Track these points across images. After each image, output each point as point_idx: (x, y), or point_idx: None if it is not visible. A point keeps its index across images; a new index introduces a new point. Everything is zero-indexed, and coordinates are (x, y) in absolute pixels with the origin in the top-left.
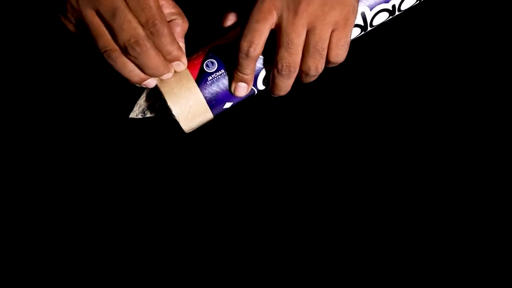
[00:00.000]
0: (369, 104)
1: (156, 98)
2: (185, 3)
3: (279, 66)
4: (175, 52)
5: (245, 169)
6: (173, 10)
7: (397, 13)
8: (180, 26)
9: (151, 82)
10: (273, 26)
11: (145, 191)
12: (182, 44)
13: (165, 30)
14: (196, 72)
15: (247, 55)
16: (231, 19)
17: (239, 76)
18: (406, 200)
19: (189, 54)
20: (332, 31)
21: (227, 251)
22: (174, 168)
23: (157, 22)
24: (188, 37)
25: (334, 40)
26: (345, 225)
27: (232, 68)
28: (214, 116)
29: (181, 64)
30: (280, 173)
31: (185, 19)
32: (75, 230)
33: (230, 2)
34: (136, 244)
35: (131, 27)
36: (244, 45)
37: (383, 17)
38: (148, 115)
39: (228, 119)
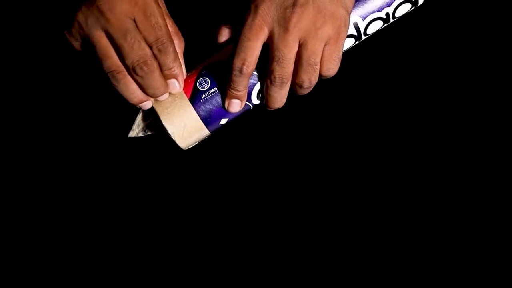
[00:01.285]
0: (364, 113)
1: (155, 117)
2: (176, 21)
3: (272, 77)
4: (174, 69)
5: (244, 181)
6: (170, 30)
7: (392, 20)
8: (178, 46)
9: (147, 104)
10: (265, 40)
11: (147, 206)
12: (183, 63)
13: (171, 48)
14: (190, 90)
15: (240, 72)
16: (224, 35)
17: (233, 93)
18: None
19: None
20: (325, 45)
21: (226, 269)
22: (175, 184)
23: (165, 40)
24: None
25: (326, 54)
26: (342, 243)
27: (225, 85)
28: (211, 133)
29: (176, 84)
30: (278, 185)
31: (182, 39)
32: (77, 244)
33: (221, 17)
34: (137, 256)
35: (140, 47)
36: (237, 63)
37: (377, 25)
38: (149, 133)
39: (227, 133)
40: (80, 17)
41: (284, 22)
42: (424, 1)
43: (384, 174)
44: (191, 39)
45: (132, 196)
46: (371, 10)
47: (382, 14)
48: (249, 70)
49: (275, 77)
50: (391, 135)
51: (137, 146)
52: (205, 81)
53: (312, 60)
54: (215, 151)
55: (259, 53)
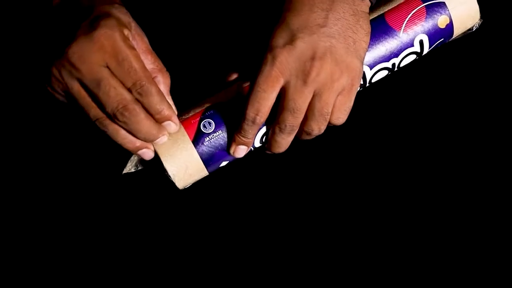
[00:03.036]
0: (366, 157)
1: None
2: (180, 56)
3: (283, 125)
4: (164, 111)
5: (240, 220)
6: (153, 66)
7: (396, 69)
8: (163, 84)
9: (147, 153)
10: (279, 91)
11: (141, 242)
12: (171, 101)
13: (153, 89)
14: (193, 132)
15: (253, 122)
16: (232, 76)
17: (242, 140)
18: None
19: (184, 108)
20: (337, 95)
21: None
22: (170, 220)
23: (144, 82)
24: (182, 89)
25: (337, 104)
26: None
27: (231, 129)
28: (209, 173)
29: (172, 124)
30: (274, 226)
31: (166, 74)
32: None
33: (227, 57)
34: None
35: (117, 93)
36: (251, 113)
37: (382, 74)
38: (140, 167)
39: (224, 171)
40: (55, 71)
41: (302, 75)
42: (427, 52)
43: (385, 220)
44: (190, 71)
45: (127, 232)
46: (379, 60)
47: (389, 64)
48: (262, 120)
49: (286, 126)
50: (394, 181)
51: (128, 183)
52: (209, 123)
53: (325, 110)
54: (210, 189)
55: (272, 104)
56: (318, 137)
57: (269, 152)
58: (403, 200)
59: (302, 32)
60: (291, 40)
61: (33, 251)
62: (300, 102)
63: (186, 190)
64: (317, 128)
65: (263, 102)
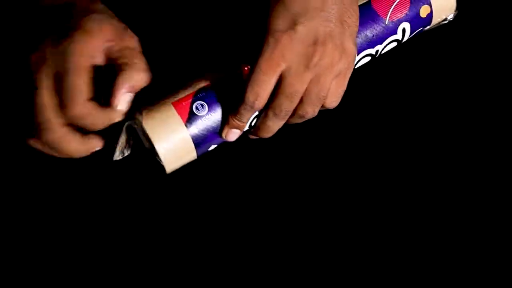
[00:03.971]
0: (354, 139)
1: (130, 136)
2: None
3: (278, 110)
4: None
5: (230, 204)
6: (119, 55)
7: (377, 56)
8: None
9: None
10: (278, 76)
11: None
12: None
13: None
14: (186, 115)
15: (252, 107)
16: (221, 56)
17: (236, 123)
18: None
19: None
20: (333, 79)
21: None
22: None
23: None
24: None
25: (333, 88)
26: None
27: (224, 112)
28: (197, 157)
29: None
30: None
31: (136, 67)
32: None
33: (214, 38)
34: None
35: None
36: (250, 97)
37: (365, 60)
38: (126, 153)
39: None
40: None
41: (304, 60)
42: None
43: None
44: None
45: (116, 222)
46: (366, 46)
47: (373, 51)
48: (261, 106)
49: (281, 111)
50: (385, 167)
51: (114, 172)
52: (202, 106)
53: (322, 94)
54: (200, 179)
55: (272, 89)
56: (308, 122)
57: (254, 137)
58: (394, 186)
59: (302, 17)
60: (293, 25)
61: (24, 240)
62: (298, 87)
63: (175, 182)
64: (312, 111)
65: (264, 86)
